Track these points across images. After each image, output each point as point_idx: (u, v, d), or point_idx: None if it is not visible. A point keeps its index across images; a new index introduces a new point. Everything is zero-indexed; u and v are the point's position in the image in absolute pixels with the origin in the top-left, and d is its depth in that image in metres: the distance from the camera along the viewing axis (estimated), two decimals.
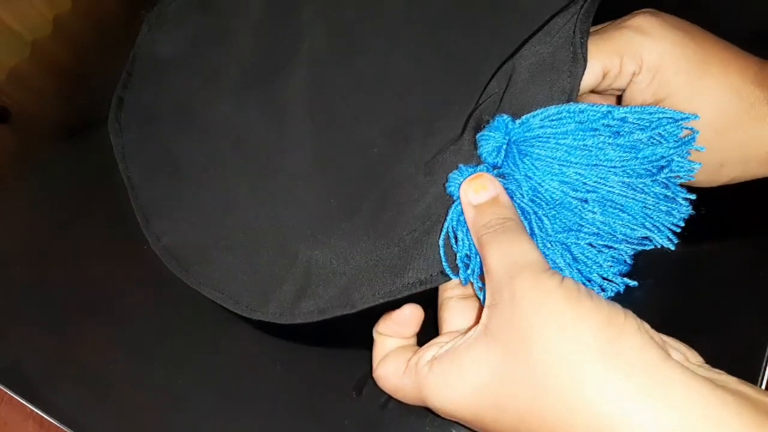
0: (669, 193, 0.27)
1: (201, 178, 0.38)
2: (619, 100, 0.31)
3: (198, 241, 0.36)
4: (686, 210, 0.28)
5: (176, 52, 0.44)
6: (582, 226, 0.27)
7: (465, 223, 0.28)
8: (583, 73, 0.28)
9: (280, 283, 0.33)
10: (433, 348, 0.27)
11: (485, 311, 0.25)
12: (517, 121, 0.28)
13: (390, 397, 0.32)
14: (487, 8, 0.39)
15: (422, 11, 0.40)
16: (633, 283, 0.27)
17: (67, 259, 0.41)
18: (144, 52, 0.44)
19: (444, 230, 0.29)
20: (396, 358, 0.29)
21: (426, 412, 0.32)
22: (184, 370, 0.35)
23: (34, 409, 0.36)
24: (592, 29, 0.30)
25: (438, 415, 0.27)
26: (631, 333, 0.22)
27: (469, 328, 0.27)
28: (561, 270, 0.27)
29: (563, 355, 0.22)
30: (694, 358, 0.24)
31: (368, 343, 0.34)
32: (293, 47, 0.41)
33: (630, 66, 0.28)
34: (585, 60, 0.28)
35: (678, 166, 0.27)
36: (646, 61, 0.28)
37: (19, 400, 0.37)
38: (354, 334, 0.34)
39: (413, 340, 0.30)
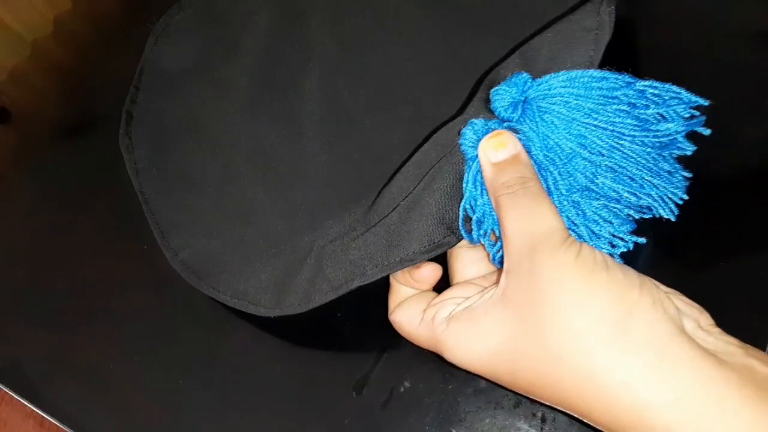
0: (671, 169, 0.28)
1: (217, 190, 0.38)
2: None
3: (216, 252, 0.36)
4: (684, 185, 0.28)
5: (184, 65, 0.44)
6: (591, 189, 0.28)
7: (481, 182, 0.27)
8: (606, 43, 0.28)
9: (295, 275, 0.33)
10: (449, 304, 0.27)
11: (503, 277, 0.25)
12: (537, 80, 0.28)
13: (390, 397, 0.32)
14: (499, 12, 0.39)
15: (432, 15, 0.40)
16: (642, 240, 0.27)
17: (67, 259, 0.41)
18: (151, 65, 0.44)
19: (466, 194, 0.28)
20: (412, 307, 0.29)
21: (426, 411, 0.32)
22: (184, 370, 0.35)
23: (34, 408, 0.36)
24: None
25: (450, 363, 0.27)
26: (643, 309, 0.22)
27: (486, 288, 0.27)
28: (575, 226, 0.28)
29: (577, 329, 0.22)
30: (705, 320, 0.24)
31: (368, 344, 0.34)
32: (304, 56, 0.41)
33: None
34: (611, 29, 0.28)
35: (679, 144, 0.28)
36: None
37: (19, 399, 0.37)
38: (354, 334, 0.34)
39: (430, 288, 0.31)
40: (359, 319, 0.35)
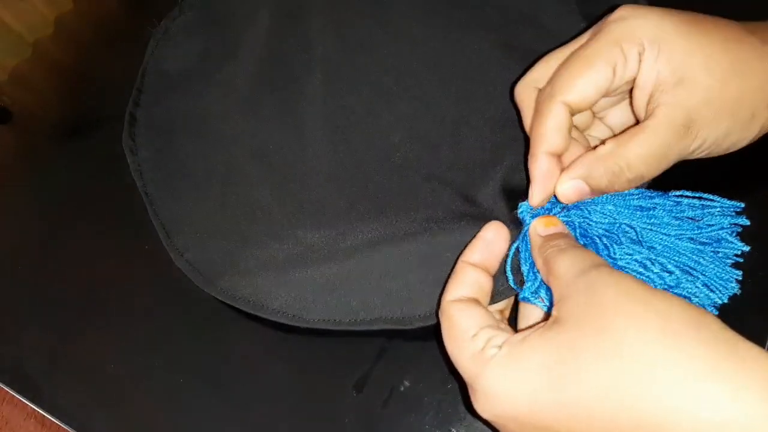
0: (721, 272, 0.29)
1: (221, 191, 0.38)
2: (631, 94, 0.30)
3: (223, 254, 0.36)
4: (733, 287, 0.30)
5: (186, 67, 0.44)
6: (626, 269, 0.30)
7: (529, 249, 0.30)
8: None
9: (314, 293, 0.34)
10: (503, 335, 0.25)
11: (554, 308, 0.25)
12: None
13: (390, 396, 0.32)
14: (497, 9, 0.39)
15: (431, 13, 0.40)
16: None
17: (68, 259, 0.41)
18: (153, 67, 0.44)
19: (511, 252, 0.30)
20: (478, 313, 0.27)
21: (426, 410, 0.32)
22: (184, 370, 0.35)
23: (35, 407, 0.36)
24: (574, 43, 0.30)
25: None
26: (710, 316, 0.22)
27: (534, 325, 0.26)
28: None
29: (649, 328, 0.21)
30: None
31: (368, 343, 0.34)
32: (305, 56, 0.41)
33: (632, 49, 0.28)
34: None
35: (727, 244, 0.29)
36: (646, 37, 0.28)
37: (20, 399, 0.37)
38: (354, 334, 0.34)
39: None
40: None
